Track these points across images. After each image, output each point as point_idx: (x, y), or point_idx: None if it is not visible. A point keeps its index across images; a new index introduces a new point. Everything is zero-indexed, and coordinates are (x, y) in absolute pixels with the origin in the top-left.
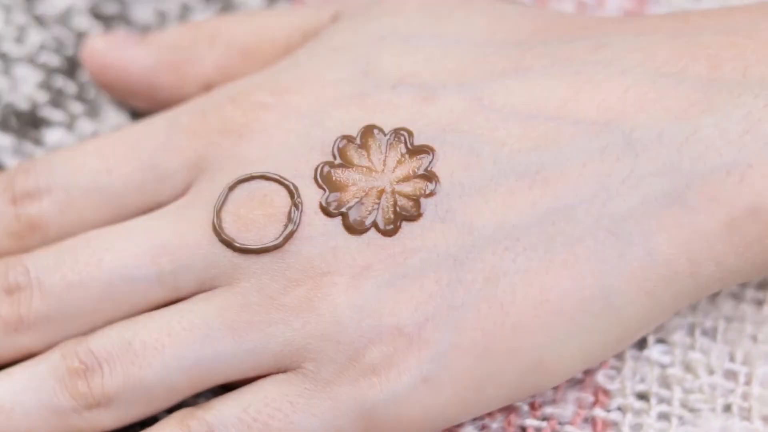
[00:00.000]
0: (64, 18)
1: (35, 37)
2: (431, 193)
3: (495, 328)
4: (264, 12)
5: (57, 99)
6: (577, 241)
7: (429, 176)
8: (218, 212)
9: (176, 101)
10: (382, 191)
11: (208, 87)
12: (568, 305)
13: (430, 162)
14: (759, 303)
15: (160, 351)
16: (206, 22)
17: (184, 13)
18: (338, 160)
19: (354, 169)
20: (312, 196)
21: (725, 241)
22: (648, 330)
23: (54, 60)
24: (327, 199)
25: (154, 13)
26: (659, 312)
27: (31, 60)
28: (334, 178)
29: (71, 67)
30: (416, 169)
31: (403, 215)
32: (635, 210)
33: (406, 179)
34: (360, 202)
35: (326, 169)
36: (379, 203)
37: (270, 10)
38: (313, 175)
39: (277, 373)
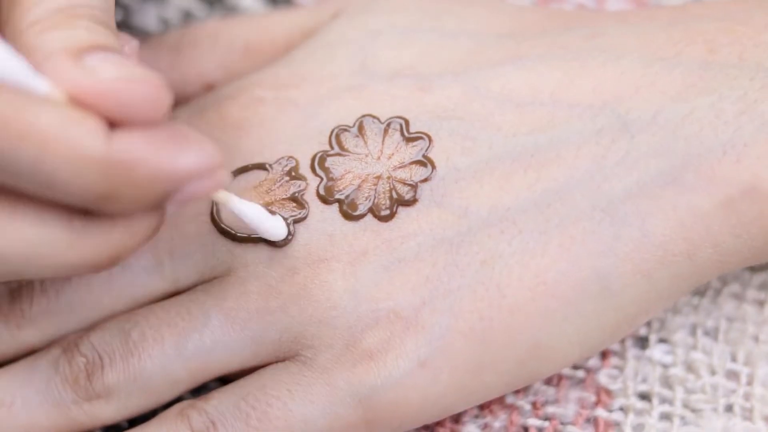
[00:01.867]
0: None
1: None
2: (427, 179)
3: (491, 311)
4: (264, 14)
5: None
6: (573, 222)
7: (425, 162)
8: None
9: (178, 102)
10: (378, 177)
11: (209, 87)
12: (564, 287)
13: (426, 148)
14: (761, 303)
15: (159, 342)
16: (208, 24)
17: (187, 20)
18: (335, 149)
19: (350, 156)
20: (309, 184)
21: (722, 221)
22: (647, 317)
23: None
24: (324, 186)
25: (156, 20)
26: (657, 296)
27: None
28: (330, 166)
29: None
30: (412, 156)
31: (399, 200)
32: (631, 191)
33: (402, 165)
34: (357, 189)
35: (323, 157)
36: (375, 189)
37: (271, 12)
38: (309, 164)
39: (276, 362)
